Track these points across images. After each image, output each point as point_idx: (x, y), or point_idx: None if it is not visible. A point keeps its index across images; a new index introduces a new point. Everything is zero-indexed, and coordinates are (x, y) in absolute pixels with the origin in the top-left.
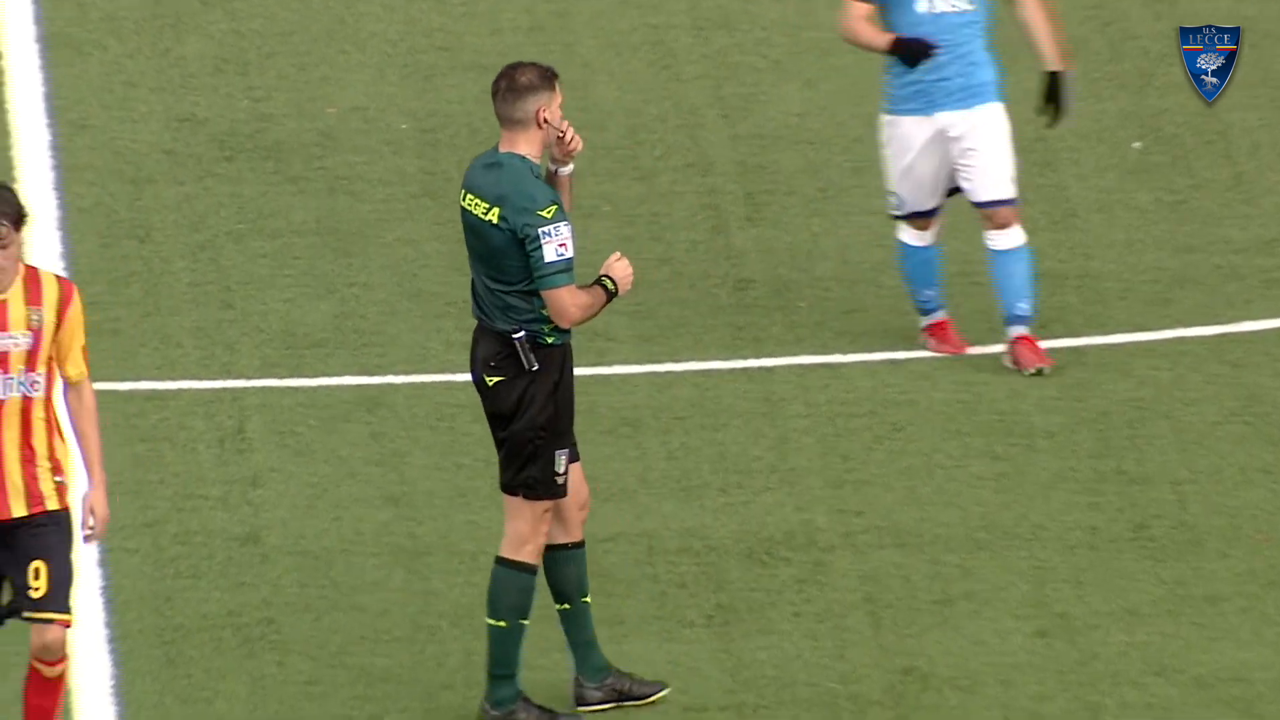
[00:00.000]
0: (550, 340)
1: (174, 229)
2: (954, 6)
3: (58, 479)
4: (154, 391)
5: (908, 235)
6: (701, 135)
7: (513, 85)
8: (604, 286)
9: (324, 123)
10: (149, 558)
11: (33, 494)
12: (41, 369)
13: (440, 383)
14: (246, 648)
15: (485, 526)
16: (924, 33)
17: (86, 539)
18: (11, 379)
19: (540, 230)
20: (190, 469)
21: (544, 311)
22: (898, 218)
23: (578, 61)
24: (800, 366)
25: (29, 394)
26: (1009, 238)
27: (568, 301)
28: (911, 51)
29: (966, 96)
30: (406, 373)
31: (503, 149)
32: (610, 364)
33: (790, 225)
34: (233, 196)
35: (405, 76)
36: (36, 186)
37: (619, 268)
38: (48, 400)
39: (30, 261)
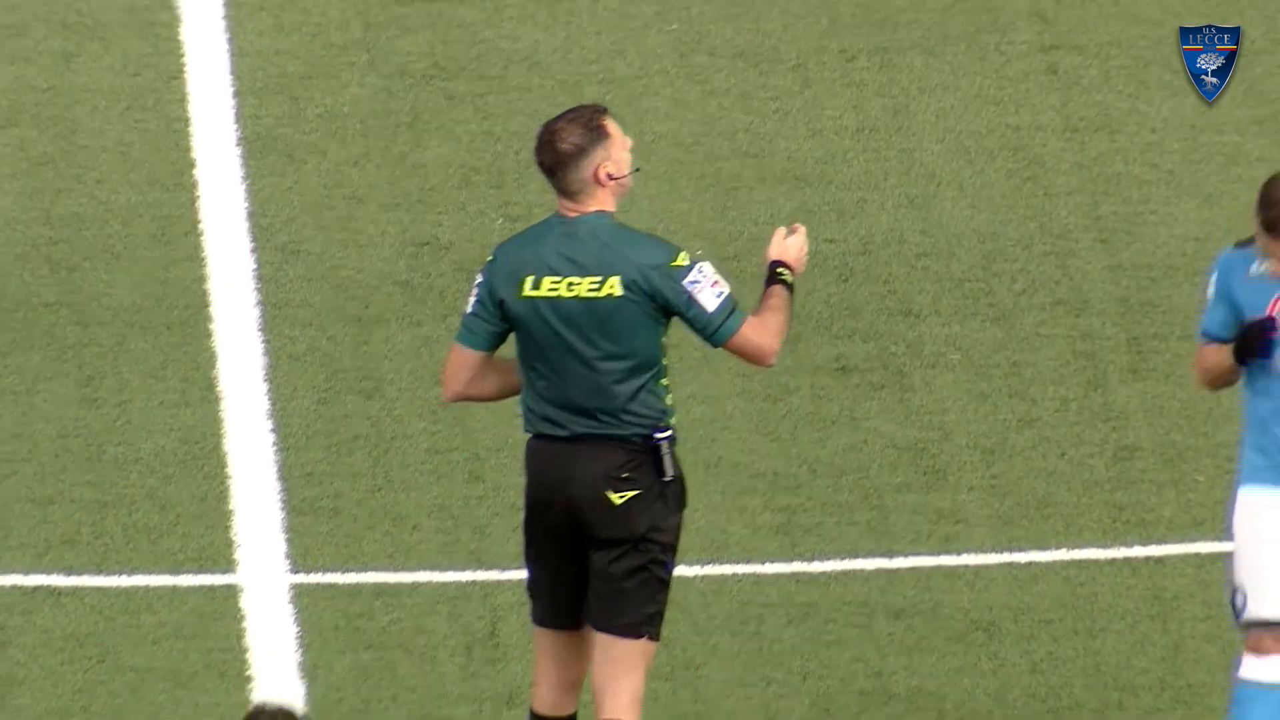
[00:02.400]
0: (674, 434)
1: (410, 381)
2: None
3: None
4: (384, 585)
5: (1248, 663)
6: (1074, 265)
7: (558, 159)
8: (782, 283)
9: None
10: None
11: None
12: None
13: (745, 575)
14: None
15: None
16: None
17: None
18: None
19: (687, 282)
20: (430, 683)
21: (666, 392)
22: (1239, 622)
23: (919, 171)
24: (1198, 556)
25: None
26: None
27: (758, 338)
28: (1248, 340)
29: None
30: (701, 562)
31: (571, 214)
32: (959, 551)
33: (1185, 378)
34: None
35: (702, 189)
36: (235, 328)
37: (791, 245)
38: None
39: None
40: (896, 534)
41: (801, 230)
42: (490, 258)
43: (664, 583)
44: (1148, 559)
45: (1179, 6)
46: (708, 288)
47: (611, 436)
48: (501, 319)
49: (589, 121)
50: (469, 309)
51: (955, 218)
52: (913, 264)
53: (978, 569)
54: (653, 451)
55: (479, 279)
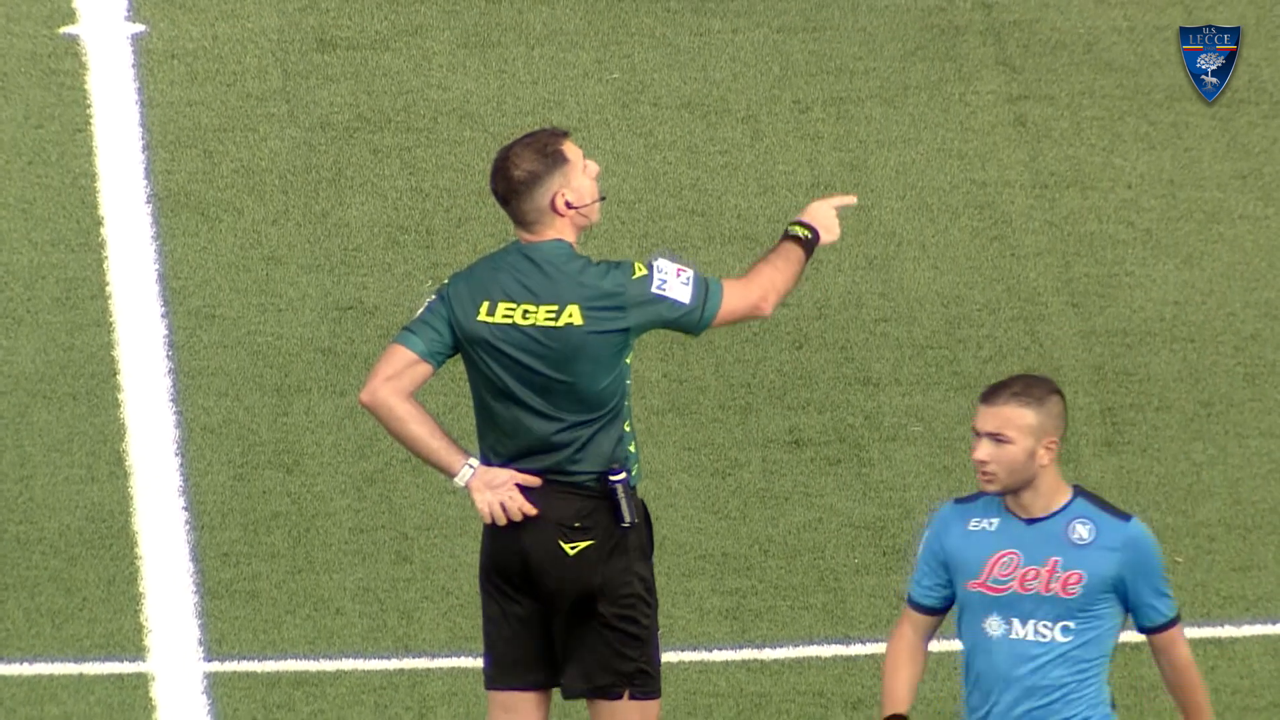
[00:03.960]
0: (637, 478)
1: (332, 455)
2: (1041, 634)
3: None
4: (305, 674)
5: None
6: (1044, 330)
7: (512, 187)
8: (795, 238)
9: None
10: None
11: None
12: None
13: (691, 663)
14: None
15: None
16: (990, 664)
17: None
18: None
19: (653, 290)
20: None
21: (627, 430)
22: None
23: (878, 230)
24: None
25: None
26: None
27: (741, 302)
28: None
29: None
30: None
31: (528, 241)
32: None
33: (1163, 452)
34: None
35: (645, 249)
36: (145, 398)
37: (819, 210)
38: None
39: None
40: (854, 619)
41: (844, 199)
42: (446, 281)
43: (637, 638)
44: (1123, 645)
45: (1156, 54)
46: (674, 280)
47: (565, 481)
48: (451, 335)
49: (545, 146)
50: (417, 315)
51: (917, 280)
52: (871, 329)
53: (941, 656)
54: (609, 495)
55: (431, 297)
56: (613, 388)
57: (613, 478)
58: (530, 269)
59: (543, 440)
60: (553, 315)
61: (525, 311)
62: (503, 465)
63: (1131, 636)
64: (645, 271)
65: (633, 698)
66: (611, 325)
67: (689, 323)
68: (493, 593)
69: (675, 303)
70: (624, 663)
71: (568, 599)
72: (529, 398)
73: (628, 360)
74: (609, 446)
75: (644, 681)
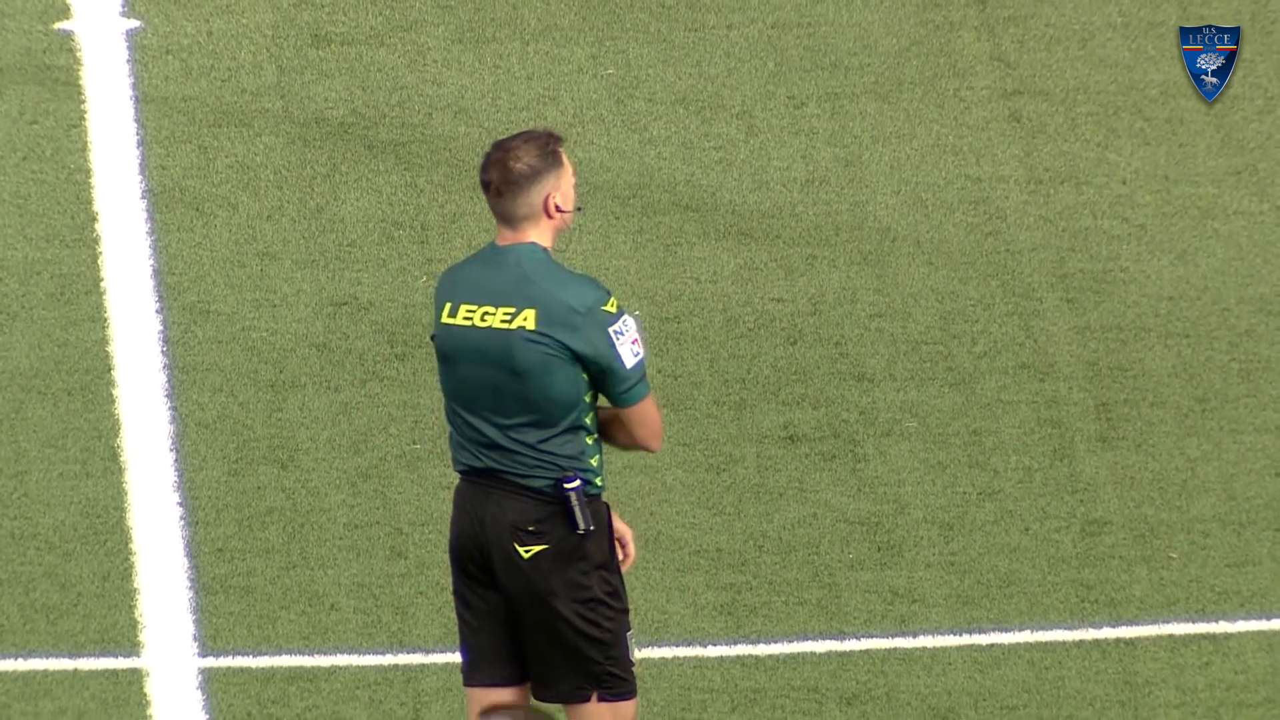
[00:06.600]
0: (599, 487)
1: (326, 451)
2: None
3: None
4: (300, 669)
5: None
6: (1038, 326)
7: (509, 178)
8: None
9: None
10: None
11: None
12: None
13: (686, 658)
14: None
15: None
16: None
17: None
18: None
19: (611, 330)
20: None
21: (589, 441)
22: None
23: (872, 225)
24: (1171, 638)
25: None
26: None
27: (656, 416)
28: None
29: None
30: (639, 644)
31: (504, 243)
32: (915, 633)
33: (1157, 447)
34: (406, 408)
35: (640, 244)
36: (140, 393)
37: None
38: None
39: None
40: (849, 614)
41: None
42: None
43: (600, 641)
44: (1117, 641)
45: (1151, 50)
46: (629, 343)
47: (521, 484)
48: None
49: (545, 145)
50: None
51: (911, 276)
52: (866, 325)
53: (935, 652)
54: (563, 502)
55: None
56: (567, 400)
57: (566, 485)
58: (497, 271)
59: (493, 443)
60: (508, 318)
61: (485, 313)
62: (464, 470)
63: (1127, 632)
64: (614, 311)
65: (602, 699)
66: (561, 338)
67: (617, 386)
68: (460, 583)
69: (619, 359)
70: (589, 664)
71: (524, 601)
72: (482, 399)
73: (585, 377)
74: (565, 449)
75: (613, 683)
